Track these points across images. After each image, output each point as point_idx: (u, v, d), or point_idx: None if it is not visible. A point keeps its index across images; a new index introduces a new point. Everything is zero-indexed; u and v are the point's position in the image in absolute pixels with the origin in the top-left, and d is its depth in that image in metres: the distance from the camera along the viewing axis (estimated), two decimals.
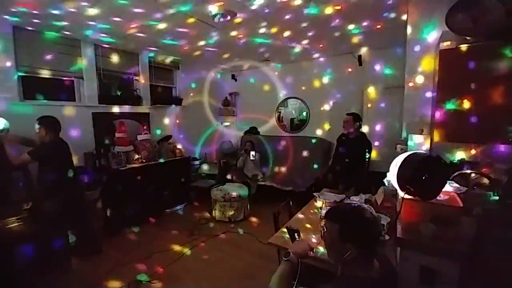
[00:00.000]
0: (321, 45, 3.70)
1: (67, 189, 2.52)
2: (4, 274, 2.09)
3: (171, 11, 2.43)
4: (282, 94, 5.06)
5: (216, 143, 5.60)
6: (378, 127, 4.08)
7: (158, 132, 4.35)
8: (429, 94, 2.25)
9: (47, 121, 2.46)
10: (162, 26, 2.83)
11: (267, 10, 2.47)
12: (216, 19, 2.55)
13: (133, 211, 3.45)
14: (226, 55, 4.17)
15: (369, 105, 4.22)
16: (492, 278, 1.24)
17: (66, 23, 2.74)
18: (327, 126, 4.55)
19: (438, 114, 1.83)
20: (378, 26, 2.94)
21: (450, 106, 1.78)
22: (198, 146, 5.14)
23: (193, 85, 5.01)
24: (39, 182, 2.51)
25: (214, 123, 5.60)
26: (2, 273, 2.07)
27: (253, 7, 2.39)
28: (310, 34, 3.18)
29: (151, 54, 4.13)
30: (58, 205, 2.43)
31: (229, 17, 2.55)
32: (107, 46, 3.59)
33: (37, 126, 2.43)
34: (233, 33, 3.10)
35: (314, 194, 2.40)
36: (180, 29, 2.96)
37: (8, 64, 2.79)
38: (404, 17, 2.50)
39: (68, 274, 2.44)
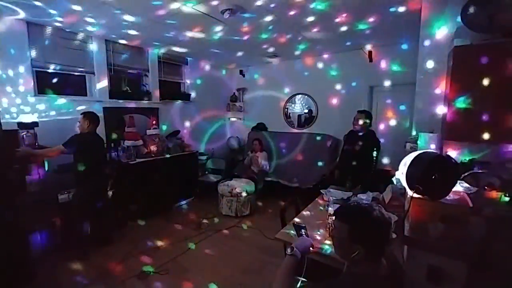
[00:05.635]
0: (329, 41, 3.65)
1: (94, 180, 2.69)
2: (22, 259, 2.20)
3: (178, 5, 2.44)
4: (290, 90, 5.04)
5: (223, 138, 5.64)
6: (387, 125, 4.04)
7: (167, 127, 4.41)
8: (440, 92, 2.21)
9: (90, 114, 2.77)
10: (170, 21, 2.84)
11: (273, 5, 2.45)
12: (225, 15, 2.55)
13: (142, 204, 3.52)
14: (233, 51, 4.16)
15: (377, 102, 4.17)
16: (500, 278, 1.23)
17: (76, 19, 2.78)
18: (335, 123, 4.51)
19: (449, 113, 1.80)
20: (386, 21, 2.88)
21: (462, 104, 1.74)
22: (205, 142, 5.18)
23: (200, 81, 5.03)
24: (72, 170, 2.68)
25: (222, 119, 5.63)
26: (20, 259, 2.18)
27: (260, 3, 2.38)
28: (316, 29, 3.15)
29: (159, 50, 4.15)
30: (85, 194, 2.65)
31: (238, 13, 2.55)
32: (117, 42, 3.64)
33: (81, 117, 2.72)
34: (240, 29, 3.08)
35: (321, 191, 2.40)
36: (188, 24, 2.96)
37: (24, 59, 2.87)
38: (415, 12, 2.44)
39: (83, 262, 2.54)
